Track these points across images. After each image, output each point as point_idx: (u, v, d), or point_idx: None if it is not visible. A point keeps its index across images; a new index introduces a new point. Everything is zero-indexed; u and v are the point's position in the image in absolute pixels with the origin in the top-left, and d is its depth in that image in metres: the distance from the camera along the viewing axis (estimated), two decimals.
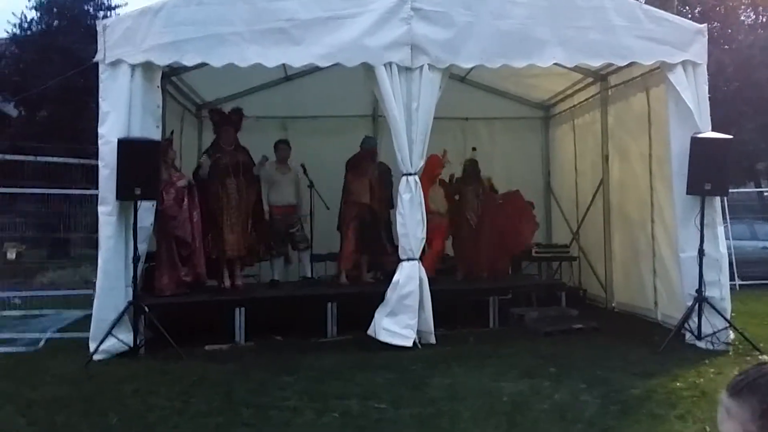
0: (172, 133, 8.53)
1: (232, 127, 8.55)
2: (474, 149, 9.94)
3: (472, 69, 8.51)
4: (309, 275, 9.12)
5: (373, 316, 7.30)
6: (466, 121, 11.36)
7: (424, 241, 7.48)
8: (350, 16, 7.16)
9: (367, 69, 7.35)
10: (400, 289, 7.22)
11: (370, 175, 8.89)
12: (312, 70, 9.06)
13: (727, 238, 9.72)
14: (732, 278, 10.57)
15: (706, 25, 7.82)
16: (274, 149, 9.04)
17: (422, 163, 7.50)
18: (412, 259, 7.30)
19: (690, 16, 19.25)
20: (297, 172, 9.10)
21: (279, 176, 8.97)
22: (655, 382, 5.81)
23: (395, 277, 7.30)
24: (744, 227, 14.24)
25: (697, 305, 7.11)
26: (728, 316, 7.24)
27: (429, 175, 8.86)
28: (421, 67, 7.25)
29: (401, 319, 7.18)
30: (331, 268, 9.87)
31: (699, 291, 7.12)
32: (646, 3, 14.43)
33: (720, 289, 7.26)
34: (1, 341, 7.75)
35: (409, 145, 7.31)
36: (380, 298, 7.34)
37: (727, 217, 12.23)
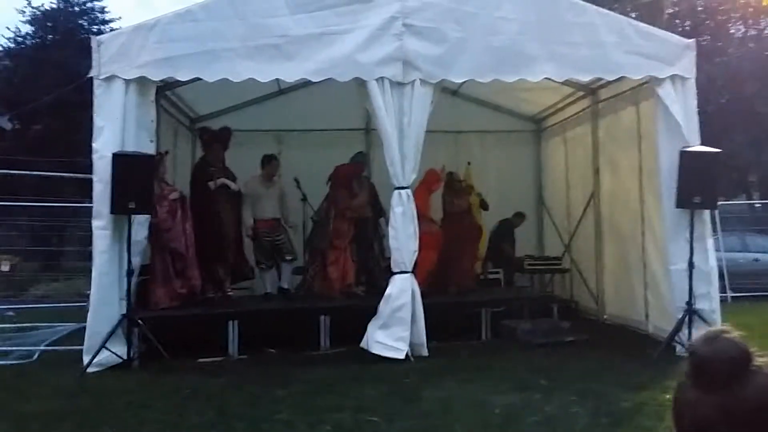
0: (166, 152, 8.61)
1: (221, 145, 8.63)
2: (469, 164, 10.02)
3: (464, 83, 8.60)
4: (286, 287, 9.10)
5: (365, 329, 7.34)
6: (458, 134, 11.43)
7: (417, 254, 7.53)
8: (343, 32, 7.25)
9: (360, 84, 7.43)
10: (392, 302, 7.26)
11: (360, 189, 8.98)
12: (305, 84, 9.14)
13: (718, 250, 9.84)
14: (723, 290, 10.66)
15: (694, 40, 7.93)
16: (261, 164, 9.04)
17: (414, 176, 7.56)
18: (405, 272, 7.35)
19: (680, 29, 19.42)
20: (281, 187, 9.15)
21: (263, 190, 8.98)
22: (645, 394, 5.85)
23: (388, 290, 7.35)
24: (735, 239, 14.31)
25: (687, 317, 7.18)
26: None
27: (427, 187, 8.96)
28: (413, 82, 7.34)
29: (394, 331, 7.22)
30: None
31: (689, 303, 7.19)
32: (636, 17, 14.61)
33: (710, 302, 7.33)
34: None
35: (401, 159, 7.38)
36: (373, 310, 7.38)
37: (719, 230, 12.32)
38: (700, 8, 22.07)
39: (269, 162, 9.05)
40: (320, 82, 7.59)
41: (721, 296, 7.91)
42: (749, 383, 1.29)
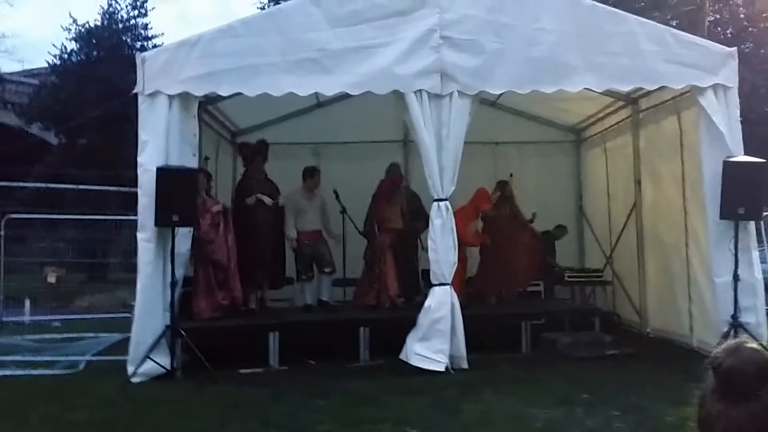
0: (206, 159, 8.76)
1: (261, 158, 8.78)
2: (511, 175, 9.99)
3: (502, 94, 8.59)
4: (326, 299, 9.13)
5: (405, 341, 7.34)
6: (497, 145, 11.39)
7: (456, 266, 7.51)
8: (381, 45, 7.31)
9: (398, 96, 7.47)
10: (431, 314, 7.26)
11: (399, 201, 9.00)
12: (343, 97, 9.21)
13: (763, 262, 9.60)
14: None
15: (736, 48, 7.80)
16: (303, 176, 9.13)
17: (453, 188, 7.56)
18: (444, 284, 7.35)
19: (722, 37, 19.13)
20: (322, 198, 9.22)
21: (305, 203, 9.07)
22: (689, 410, 5.72)
23: (427, 302, 7.35)
24: None
25: (732, 331, 7.03)
26: (764, 342, 7.13)
27: (474, 207, 8.96)
28: (451, 93, 7.36)
29: (433, 343, 7.21)
30: None
31: (734, 316, 7.05)
32: (676, 25, 14.44)
33: (756, 315, 7.19)
34: (41, 364, 7.94)
35: (439, 171, 7.39)
36: (412, 322, 7.38)
37: (765, 241, 12.05)
38: (742, 15, 21.74)
39: (311, 174, 9.12)
40: (358, 95, 7.64)
41: (766, 309, 7.74)
42: None
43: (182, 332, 7.10)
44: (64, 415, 5.77)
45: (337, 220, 9.35)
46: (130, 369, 6.86)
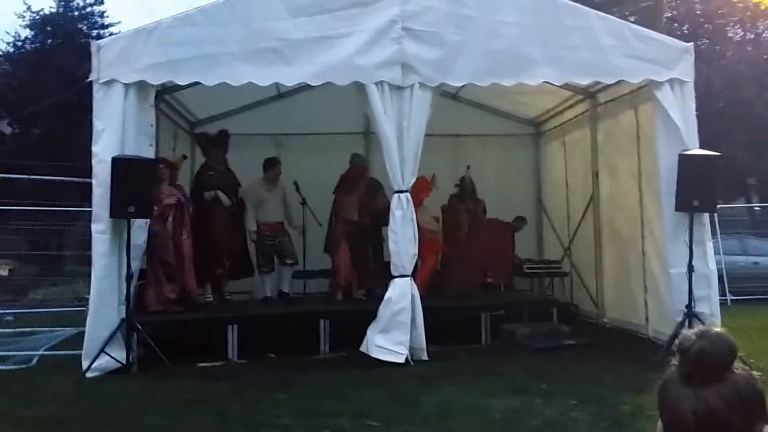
0: (184, 157, 8.86)
1: (220, 149, 8.65)
2: (468, 167, 10.02)
3: (463, 86, 8.60)
4: (286, 290, 9.09)
5: (365, 333, 7.33)
6: (457, 138, 11.42)
7: (417, 257, 7.52)
8: (342, 36, 7.25)
9: (359, 87, 7.43)
10: (392, 306, 7.26)
11: (358, 192, 8.96)
12: (304, 88, 9.12)
13: (717, 254, 9.84)
14: (723, 294, 10.65)
15: (693, 43, 7.94)
16: (263, 167, 9.06)
17: (413, 179, 7.56)
18: (405, 276, 7.35)
19: (679, 33, 19.47)
20: (283, 189, 9.15)
21: (266, 194, 8.99)
22: (646, 398, 5.81)
23: (387, 294, 7.34)
24: (735, 242, 14.33)
25: (687, 321, 7.17)
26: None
27: (415, 195, 8.95)
28: (412, 85, 7.34)
29: (394, 335, 7.21)
30: (324, 285, 9.91)
31: (689, 307, 7.18)
32: (635, 21, 14.62)
33: (710, 305, 7.33)
34: None
35: (400, 162, 7.38)
36: (372, 314, 7.37)
37: (718, 233, 12.33)
38: (698, 12, 22.15)
39: (272, 166, 9.05)
40: (319, 85, 7.58)
41: (720, 299, 7.91)
42: (737, 373, 1.35)
43: (138, 326, 6.97)
44: (16, 412, 5.62)
45: (297, 212, 9.29)
46: (85, 364, 6.72)
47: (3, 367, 7.38)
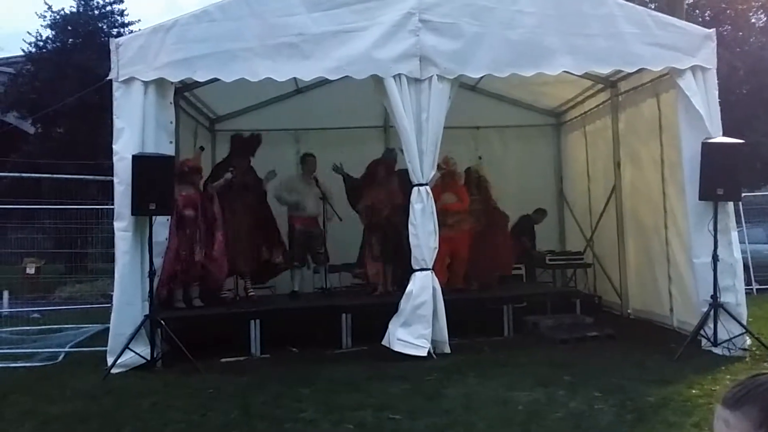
0: (201, 149, 8.92)
1: (249, 153, 8.75)
2: (480, 158, 9.93)
3: (482, 78, 8.54)
4: (326, 287, 9.18)
5: (387, 327, 7.33)
6: (477, 129, 11.37)
7: (437, 250, 7.47)
8: (359, 30, 7.23)
9: (377, 81, 7.41)
10: (413, 299, 7.24)
11: (387, 186, 8.90)
12: (323, 83, 9.13)
13: (742, 242, 9.69)
14: (748, 283, 10.53)
15: (714, 30, 7.81)
16: (301, 162, 9.27)
17: (433, 172, 7.53)
18: (425, 269, 7.33)
19: (700, 20, 19.22)
20: (320, 185, 9.15)
21: (304, 188, 9.05)
22: (671, 390, 5.79)
23: (408, 287, 7.32)
24: (760, 231, 14.13)
25: (712, 311, 7.09)
26: (744, 322, 7.20)
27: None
28: (430, 78, 7.30)
29: (415, 329, 7.20)
30: (346, 279, 9.93)
31: (714, 297, 7.09)
32: (655, 8, 14.45)
33: (735, 295, 7.23)
34: (20, 356, 7.85)
35: (419, 155, 7.35)
36: (394, 308, 7.36)
37: (743, 221, 12.17)
38: None
39: (303, 161, 9.24)
40: (338, 80, 7.57)
41: (746, 288, 7.81)
42: None
43: (161, 322, 7.03)
44: (43, 409, 5.69)
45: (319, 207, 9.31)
46: (110, 360, 6.79)
47: (30, 364, 7.49)
